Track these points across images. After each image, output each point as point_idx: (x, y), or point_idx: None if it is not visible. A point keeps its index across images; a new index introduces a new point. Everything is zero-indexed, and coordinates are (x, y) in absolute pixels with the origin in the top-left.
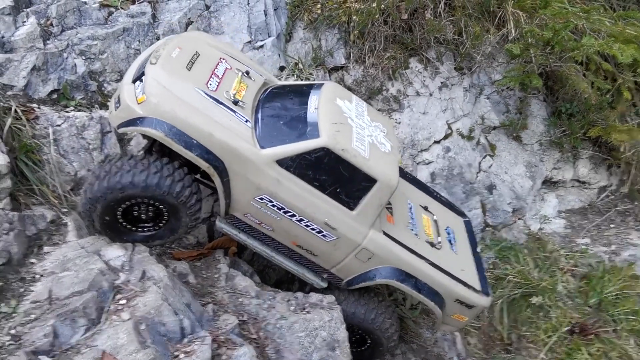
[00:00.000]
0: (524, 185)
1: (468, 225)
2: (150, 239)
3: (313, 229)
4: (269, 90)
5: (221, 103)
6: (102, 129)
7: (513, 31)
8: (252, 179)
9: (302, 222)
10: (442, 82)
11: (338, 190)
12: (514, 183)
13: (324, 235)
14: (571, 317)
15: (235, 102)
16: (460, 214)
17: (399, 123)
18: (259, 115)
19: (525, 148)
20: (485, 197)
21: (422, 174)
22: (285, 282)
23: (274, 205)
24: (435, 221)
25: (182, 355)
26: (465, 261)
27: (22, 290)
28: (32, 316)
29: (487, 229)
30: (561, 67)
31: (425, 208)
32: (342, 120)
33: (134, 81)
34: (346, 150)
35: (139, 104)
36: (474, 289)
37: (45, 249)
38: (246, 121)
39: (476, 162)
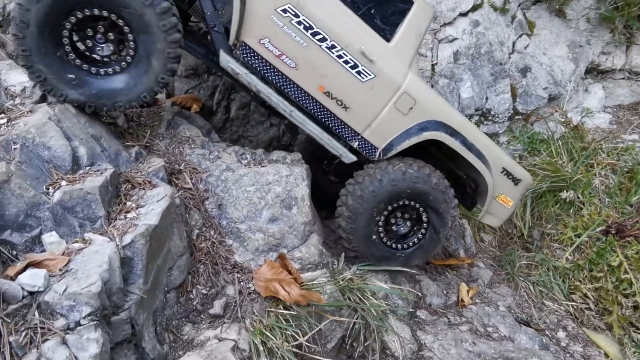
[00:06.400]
0: (565, 69)
1: None
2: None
3: (346, 62)
4: None
5: None
6: None
7: None
8: None
9: (333, 51)
10: None
11: (372, 11)
12: (553, 66)
13: (358, 72)
14: (607, 216)
15: None
16: None
17: None
18: None
19: (570, 25)
20: (518, 80)
21: (444, 54)
22: None
23: (299, 23)
24: None
25: (63, 183)
26: None
27: None
28: None
29: (516, 117)
30: None
31: None
32: None
33: None
34: None
35: None
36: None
37: None
38: None
39: (510, 41)
